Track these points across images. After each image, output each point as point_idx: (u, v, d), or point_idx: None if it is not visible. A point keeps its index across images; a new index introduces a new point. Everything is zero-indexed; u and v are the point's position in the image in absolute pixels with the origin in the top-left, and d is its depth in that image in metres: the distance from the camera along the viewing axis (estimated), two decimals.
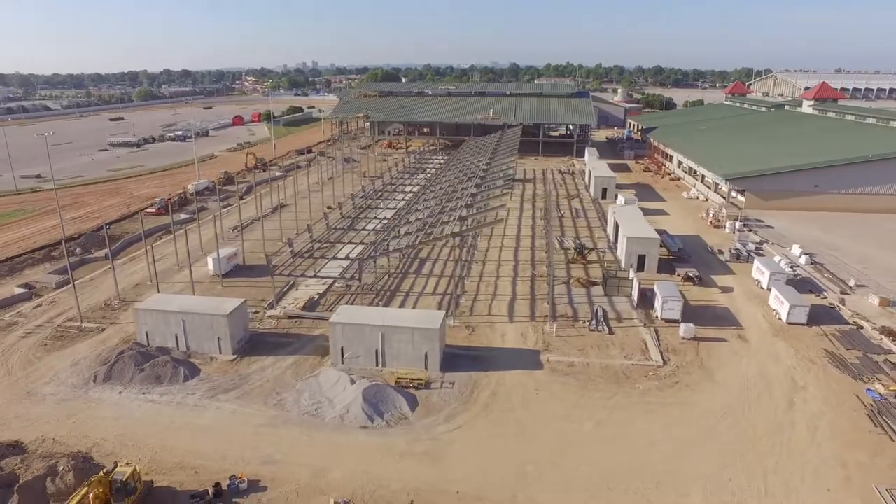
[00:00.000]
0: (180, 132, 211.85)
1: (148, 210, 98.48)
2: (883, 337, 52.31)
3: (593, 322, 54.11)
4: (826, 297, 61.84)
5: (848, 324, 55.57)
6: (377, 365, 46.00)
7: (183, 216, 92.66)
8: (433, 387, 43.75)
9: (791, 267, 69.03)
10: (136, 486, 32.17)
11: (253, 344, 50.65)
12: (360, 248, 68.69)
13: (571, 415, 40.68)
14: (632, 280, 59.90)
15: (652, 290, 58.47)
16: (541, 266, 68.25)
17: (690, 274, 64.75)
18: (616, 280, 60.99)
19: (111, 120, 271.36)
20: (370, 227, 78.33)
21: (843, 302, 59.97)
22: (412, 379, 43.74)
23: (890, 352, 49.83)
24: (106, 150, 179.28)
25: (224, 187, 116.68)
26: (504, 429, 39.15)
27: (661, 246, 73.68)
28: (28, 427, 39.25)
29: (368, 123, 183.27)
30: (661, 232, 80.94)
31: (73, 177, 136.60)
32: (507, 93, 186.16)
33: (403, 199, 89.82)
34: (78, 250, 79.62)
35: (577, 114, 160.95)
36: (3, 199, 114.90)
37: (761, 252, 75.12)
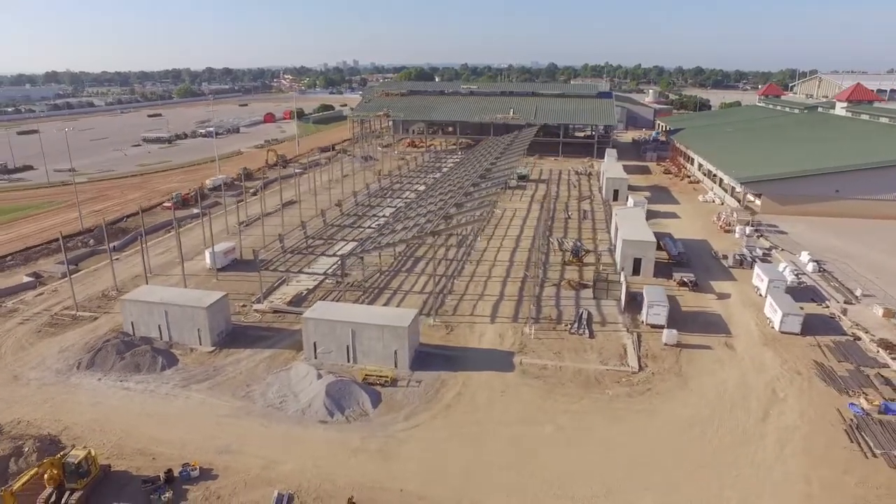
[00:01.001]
0: (211, 129, 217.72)
1: (164, 204, 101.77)
2: (880, 349, 49.95)
3: (575, 325, 53.31)
4: (828, 307, 59.39)
5: (846, 335, 53.25)
6: (348, 361, 46.35)
7: (195, 211, 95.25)
8: (400, 385, 43.81)
9: (796, 274, 66.58)
10: (90, 468, 33.35)
11: (234, 336, 51.70)
12: (354, 245, 69.29)
13: (533, 418, 40.13)
14: (621, 283, 58.80)
15: (642, 294, 57.33)
16: (535, 267, 67.63)
17: (685, 279, 63.04)
18: (605, 283, 59.90)
19: (149, 116, 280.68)
20: (368, 224, 78.86)
21: (844, 312, 57.46)
22: (379, 376, 43.94)
23: (885, 365, 47.54)
24: (139, 145, 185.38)
25: (241, 183, 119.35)
26: (462, 430, 38.93)
27: (661, 249, 72.40)
28: (7, 409, 41.04)
29: (392, 122, 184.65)
30: (664, 235, 79.22)
31: (104, 171, 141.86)
32: (531, 92, 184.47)
33: (407, 198, 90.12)
34: (91, 241, 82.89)
35: (599, 114, 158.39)
36: (35, 191, 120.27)
37: (768, 258, 72.69)
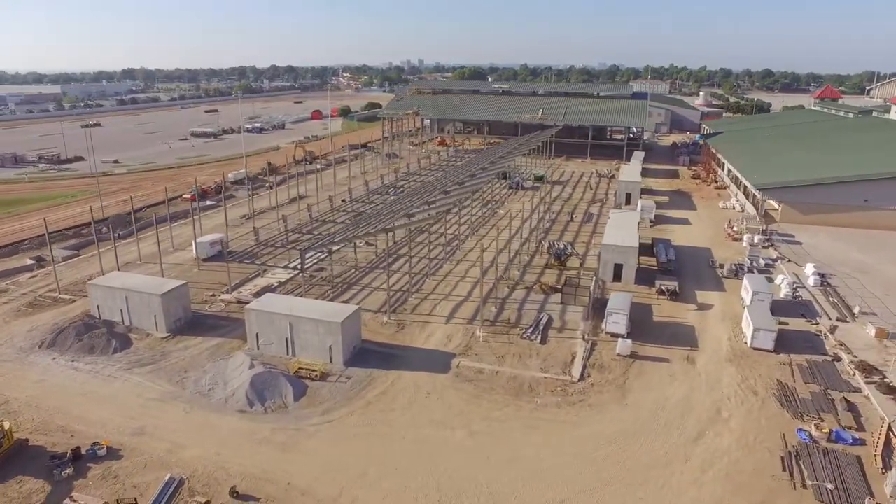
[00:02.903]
0: (258, 125, 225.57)
1: (184, 196, 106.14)
2: (856, 372, 45.79)
3: (529, 330, 51.66)
4: (818, 323, 55.09)
5: (826, 354, 49.26)
6: (287, 353, 46.76)
7: (208, 202, 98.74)
8: (330, 380, 43.84)
9: (794, 288, 62.07)
10: (3, 441, 35.17)
11: (193, 324, 53.18)
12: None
13: (449, 422, 39.13)
14: (589, 289, 56.49)
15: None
16: (512, 269, 66.07)
17: (664, 287, 59.91)
18: (574, 288, 57.72)
19: (206, 112, 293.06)
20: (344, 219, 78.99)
21: (832, 329, 53.09)
22: (310, 370, 44.07)
23: (857, 389, 43.52)
24: (185, 139, 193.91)
25: (264, 178, 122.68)
26: (372, 429, 38.46)
27: (652, 256, 69.33)
28: None
29: (428, 121, 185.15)
30: (660, 241, 75.55)
31: (146, 163, 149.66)
32: (564, 93, 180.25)
33: (402, 193, 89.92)
34: (104, 229, 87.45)
35: (630, 116, 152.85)
36: (77, 180, 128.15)
37: (770, 269, 68.19)
